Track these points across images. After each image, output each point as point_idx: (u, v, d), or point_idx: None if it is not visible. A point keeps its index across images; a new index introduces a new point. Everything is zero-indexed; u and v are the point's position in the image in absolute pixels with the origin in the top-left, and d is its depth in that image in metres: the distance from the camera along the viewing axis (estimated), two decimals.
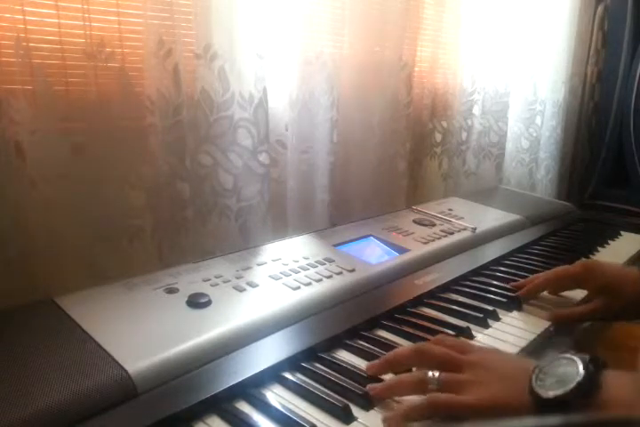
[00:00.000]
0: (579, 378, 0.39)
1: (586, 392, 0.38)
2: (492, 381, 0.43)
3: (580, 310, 0.65)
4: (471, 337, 0.58)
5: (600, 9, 1.71)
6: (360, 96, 1.04)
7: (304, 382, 0.48)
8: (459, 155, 1.35)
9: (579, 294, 0.69)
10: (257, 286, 0.61)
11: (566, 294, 0.71)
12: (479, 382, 0.43)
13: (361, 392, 0.46)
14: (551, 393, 0.39)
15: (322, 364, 0.51)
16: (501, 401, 0.41)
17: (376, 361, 0.50)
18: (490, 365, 0.45)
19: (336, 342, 0.56)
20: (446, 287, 0.71)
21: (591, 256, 0.88)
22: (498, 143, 1.47)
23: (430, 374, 0.45)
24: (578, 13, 1.59)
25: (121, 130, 0.73)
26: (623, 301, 0.63)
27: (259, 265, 0.66)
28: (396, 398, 0.46)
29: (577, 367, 0.40)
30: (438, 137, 1.30)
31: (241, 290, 0.60)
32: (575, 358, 0.41)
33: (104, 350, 0.47)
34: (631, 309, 0.63)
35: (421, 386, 0.45)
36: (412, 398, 0.46)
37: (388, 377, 0.49)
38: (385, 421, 0.43)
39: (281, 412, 0.44)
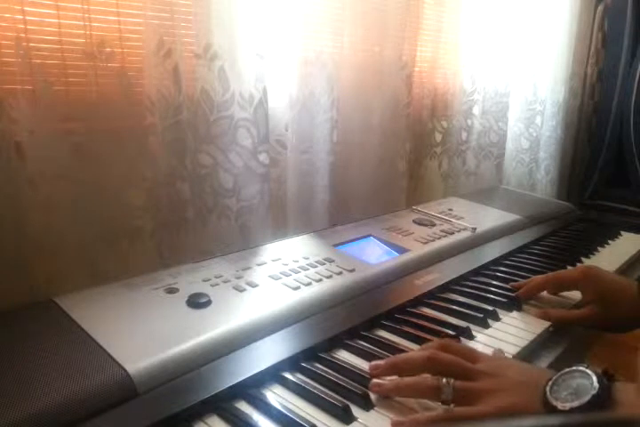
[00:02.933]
0: (593, 391, 0.39)
1: (601, 405, 0.39)
2: (506, 389, 0.43)
3: (573, 313, 0.65)
4: (471, 337, 0.58)
5: (600, 9, 1.71)
6: (360, 96, 1.04)
7: (304, 382, 0.48)
8: (459, 155, 1.35)
9: (578, 295, 0.69)
10: (257, 285, 0.61)
11: (566, 294, 0.71)
12: (493, 391, 0.43)
13: (361, 392, 0.46)
14: (567, 405, 0.39)
15: (322, 364, 0.51)
16: (517, 410, 0.42)
17: (381, 362, 0.49)
18: (502, 373, 0.45)
19: (336, 342, 0.56)
20: (446, 287, 0.71)
21: (591, 256, 0.88)
22: (498, 143, 1.47)
23: (444, 381, 0.44)
24: (578, 13, 1.60)
25: (121, 130, 0.73)
26: (616, 312, 0.63)
27: (259, 265, 0.66)
28: (399, 401, 0.46)
29: (591, 380, 0.41)
30: (438, 137, 1.30)
31: (241, 290, 0.60)
32: (588, 371, 0.42)
33: (104, 350, 0.47)
34: (624, 321, 0.64)
35: (434, 393, 0.45)
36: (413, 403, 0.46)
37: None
38: (394, 425, 0.43)
39: (281, 412, 0.44)
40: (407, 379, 0.47)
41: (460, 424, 0.42)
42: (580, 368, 0.42)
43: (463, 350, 0.49)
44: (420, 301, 0.67)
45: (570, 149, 1.79)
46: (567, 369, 0.43)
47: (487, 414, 0.42)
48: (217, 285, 0.60)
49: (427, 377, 0.46)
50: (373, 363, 0.50)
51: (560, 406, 0.39)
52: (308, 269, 0.67)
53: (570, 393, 0.40)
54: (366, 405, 0.45)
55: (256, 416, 0.44)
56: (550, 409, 0.40)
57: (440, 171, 1.33)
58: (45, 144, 0.66)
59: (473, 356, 0.48)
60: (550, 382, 0.42)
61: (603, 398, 0.39)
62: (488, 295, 0.68)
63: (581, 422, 0.24)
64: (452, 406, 0.44)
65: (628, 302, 0.63)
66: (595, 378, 0.41)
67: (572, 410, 0.39)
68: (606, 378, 0.41)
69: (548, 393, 0.41)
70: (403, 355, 0.50)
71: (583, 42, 1.69)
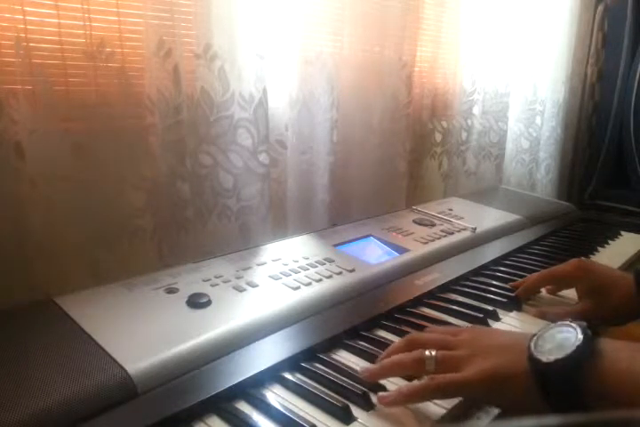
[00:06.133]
0: (578, 342, 0.40)
1: (585, 356, 0.39)
2: (490, 352, 0.44)
3: (568, 310, 0.65)
4: None
5: (600, 9, 1.71)
6: (360, 96, 1.04)
7: (304, 382, 0.48)
8: (459, 155, 1.35)
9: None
10: (257, 286, 0.61)
11: (566, 294, 0.71)
12: (476, 355, 0.44)
13: (361, 392, 0.46)
14: (552, 357, 0.39)
15: (322, 364, 0.51)
16: (502, 371, 0.42)
17: (371, 366, 0.49)
18: (484, 339, 0.46)
19: (336, 342, 0.56)
20: (446, 287, 0.71)
21: (591, 256, 0.88)
22: (498, 143, 1.47)
23: (427, 352, 0.45)
24: (578, 13, 1.60)
25: (121, 130, 0.73)
26: (611, 304, 0.63)
27: (259, 265, 0.66)
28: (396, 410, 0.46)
29: (575, 333, 0.41)
30: (438, 137, 1.30)
31: (241, 290, 0.60)
32: (573, 324, 0.42)
33: (104, 350, 0.47)
34: (619, 313, 0.63)
35: (418, 366, 0.45)
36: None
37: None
38: (381, 400, 0.43)
39: (281, 412, 0.44)
40: (391, 357, 0.47)
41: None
42: (565, 322, 0.43)
43: (445, 329, 0.50)
44: (420, 301, 0.67)
45: (570, 149, 1.79)
46: (552, 324, 0.43)
47: (471, 377, 0.42)
48: (217, 285, 0.60)
49: (409, 352, 0.46)
50: (362, 368, 0.49)
51: (545, 358, 0.40)
52: (307, 269, 0.67)
53: (554, 346, 0.41)
54: (366, 405, 0.45)
55: (256, 416, 0.44)
56: (535, 363, 0.40)
57: (440, 171, 1.33)
58: (45, 144, 0.66)
59: (455, 330, 0.49)
60: (535, 338, 0.42)
61: (586, 350, 0.39)
62: (488, 295, 0.68)
63: (581, 423, 0.24)
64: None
65: (621, 293, 0.63)
66: (579, 330, 0.41)
67: (556, 362, 0.39)
68: (590, 332, 0.41)
69: (532, 347, 0.41)
70: (386, 351, 0.50)
71: (583, 42, 1.69)
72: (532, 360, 0.41)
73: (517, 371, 0.41)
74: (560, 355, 0.39)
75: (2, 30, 0.62)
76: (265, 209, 0.89)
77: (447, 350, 0.45)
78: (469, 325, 0.60)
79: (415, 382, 0.44)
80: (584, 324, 0.42)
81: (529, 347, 0.42)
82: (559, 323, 0.43)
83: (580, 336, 0.40)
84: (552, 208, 1.13)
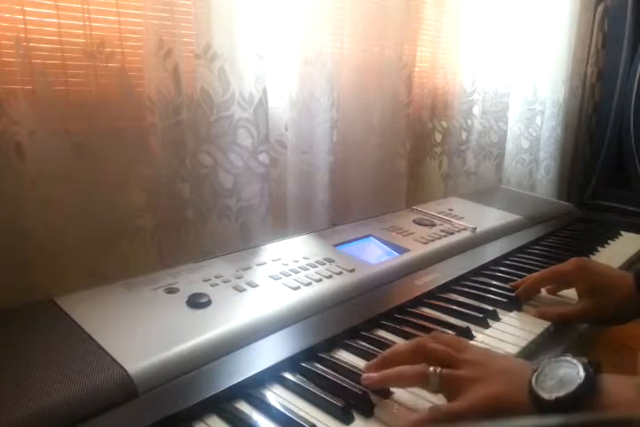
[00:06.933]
0: (579, 380, 0.39)
1: (587, 394, 0.39)
2: (492, 377, 0.43)
3: (569, 310, 0.65)
4: (471, 337, 0.58)
5: (600, 9, 1.71)
6: (360, 96, 1.04)
7: (304, 382, 0.48)
8: (459, 155, 1.35)
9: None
10: (257, 286, 0.61)
11: (566, 294, 0.71)
12: (479, 379, 0.43)
13: (361, 393, 0.46)
14: (553, 395, 0.39)
15: (322, 364, 0.51)
16: (503, 398, 0.42)
17: (372, 361, 0.49)
18: (488, 362, 0.46)
19: (336, 342, 0.56)
20: (446, 287, 0.71)
21: (591, 256, 0.88)
22: (498, 143, 1.47)
23: (432, 369, 0.45)
24: (578, 13, 1.60)
25: (121, 130, 0.73)
26: (611, 304, 0.63)
27: (259, 265, 0.66)
28: (398, 400, 0.46)
29: (577, 370, 0.40)
30: (438, 137, 1.30)
31: (241, 290, 0.60)
32: (574, 360, 0.41)
33: (104, 350, 0.47)
34: (619, 313, 0.63)
35: (422, 380, 0.45)
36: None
37: None
38: None
39: (281, 412, 0.44)
40: (395, 368, 0.47)
41: (461, 425, 0.42)
42: (567, 358, 0.42)
43: (450, 340, 0.49)
44: (420, 301, 0.67)
45: (570, 149, 1.79)
46: (553, 359, 0.43)
47: (471, 406, 0.42)
48: (217, 285, 0.60)
49: (414, 366, 0.46)
50: (366, 364, 0.50)
51: (546, 396, 0.39)
52: (307, 269, 0.67)
53: (555, 383, 0.40)
54: (366, 405, 0.45)
55: (256, 416, 0.44)
56: (535, 399, 0.40)
57: (440, 171, 1.33)
58: (45, 144, 0.66)
59: (460, 346, 0.48)
60: (536, 373, 0.42)
61: (588, 388, 0.39)
62: (488, 295, 0.68)
63: (581, 423, 0.24)
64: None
65: (621, 293, 0.63)
66: (581, 367, 0.40)
67: (557, 400, 0.39)
68: (592, 368, 0.40)
69: (533, 383, 0.41)
70: (391, 348, 0.50)
71: (583, 42, 1.69)
72: (533, 396, 0.40)
73: (517, 400, 0.41)
74: (562, 393, 0.39)
75: (2, 30, 0.62)
76: (265, 209, 0.89)
77: (452, 369, 0.45)
78: (469, 325, 0.60)
79: (415, 416, 0.44)
80: (585, 360, 0.41)
81: (530, 382, 0.41)
82: (560, 358, 0.42)
83: (582, 373, 0.40)
84: (552, 208, 1.13)
